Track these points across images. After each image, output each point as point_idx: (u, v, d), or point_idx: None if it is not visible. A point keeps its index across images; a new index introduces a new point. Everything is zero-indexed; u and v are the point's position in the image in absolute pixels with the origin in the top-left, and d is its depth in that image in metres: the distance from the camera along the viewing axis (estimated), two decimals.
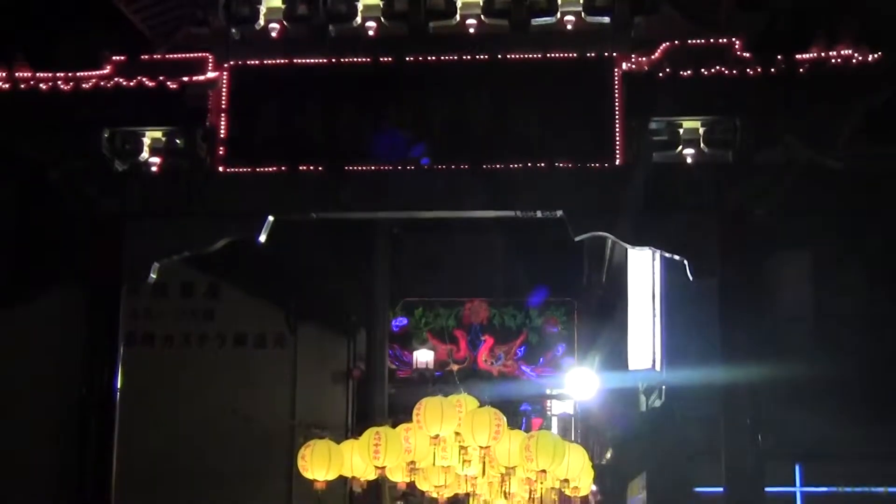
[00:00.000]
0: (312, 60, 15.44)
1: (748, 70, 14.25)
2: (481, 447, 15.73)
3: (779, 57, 14.18)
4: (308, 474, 16.50)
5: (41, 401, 22.08)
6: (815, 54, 14.14)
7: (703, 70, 14.30)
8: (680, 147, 14.66)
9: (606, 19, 15.26)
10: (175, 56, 15.50)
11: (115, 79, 15.15)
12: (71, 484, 15.22)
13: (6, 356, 22.89)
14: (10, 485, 22.62)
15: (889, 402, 15.35)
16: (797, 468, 16.09)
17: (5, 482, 22.57)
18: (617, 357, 21.14)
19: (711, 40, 14.61)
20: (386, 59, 15.32)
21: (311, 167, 15.19)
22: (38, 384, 22.62)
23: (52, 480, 15.92)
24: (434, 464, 16.76)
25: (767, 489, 14.37)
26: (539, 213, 15.26)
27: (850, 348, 15.84)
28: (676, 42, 14.61)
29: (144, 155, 15.41)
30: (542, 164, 14.87)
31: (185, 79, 15.15)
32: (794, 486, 16.08)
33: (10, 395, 23.52)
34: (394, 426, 16.88)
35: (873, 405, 15.39)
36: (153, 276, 15.54)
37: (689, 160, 14.66)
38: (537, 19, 15.42)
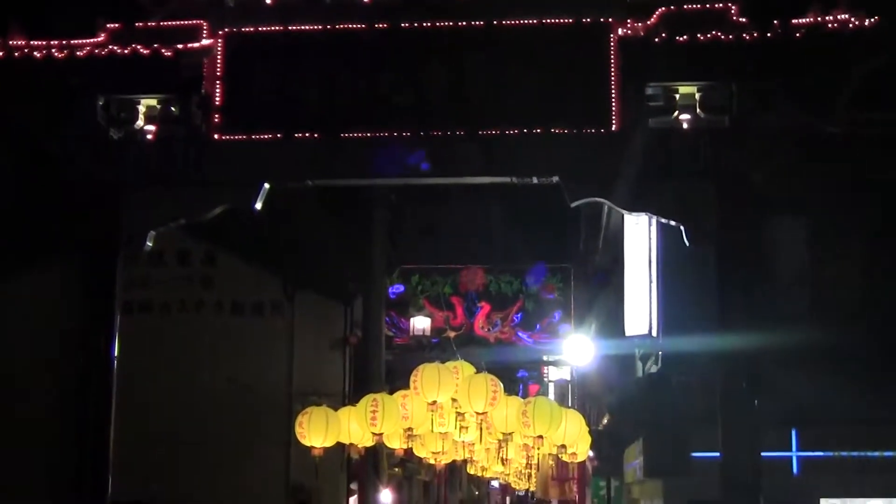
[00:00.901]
0: (307, 27, 15.38)
1: (744, 35, 14.22)
2: (478, 413, 15.74)
3: (775, 22, 14.15)
4: (306, 441, 16.53)
5: (39, 370, 22.08)
6: (812, 19, 14.11)
7: (699, 35, 14.27)
8: (676, 112, 14.64)
9: None
10: (170, 23, 15.44)
11: (110, 46, 15.12)
12: (70, 452, 15.26)
13: (3, 326, 22.89)
14: (9, 454, 22.67)
15: (886, 368, 15.35)
16: (793, 433, 16.11)
17: (4, 451, 22.62)
18: (613, 323, 21.16)
19: (707, 5, 14.58)
20: (381, 25, 15.26)
21: (307, 134, 15.16)
22: (35, 353, 22.61)
23: (51, 448, 15.90)
24: (431, 430, 16.78)
25: (764, 454, 14.44)
26: (535, 180, 15.26)
27: (848, 314, 15.84)
28: (672, 7, 14.58)
29: (139, 123, 15.37)
30: (538, 130, 14.85)
31: (180, 46, 15.13)
32: (791, 450, 16.09)
33: (8, 365, 23.53)
34: (391, 393, 16.91)
35: (870, 370, 15.39)
36: (149, 244, 15.56)
37: (685, 126, 14.64)
38: None
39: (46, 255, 18.67)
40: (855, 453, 15.92)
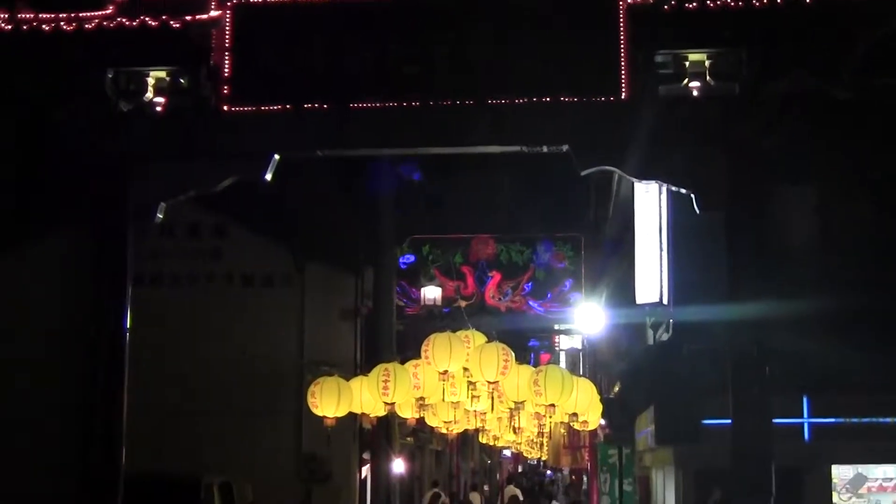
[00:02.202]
0: None
1: (754, 1, 14.15)
2: (490, 382, 15.77)
3: None
4: (318, 411, 16.58)
5: (51, 343, 22.14)
6: None
7: (708, 2, 14.20)
8: (686, 80, 14.56)
9: None
10: None
11: (118, 18, 15.08)
12: (81, 425, 15.32)
13: (12, 300, 22.93)
14: (19, 427, 22.75)
15: (895, 335, 15.36)
16: (804, 400, 16.14)
17: (15, 424, 22.70)
18: (624, 291, 21.16)
19: None
20: None
21: (316, 105, 15.14)
22: (47, 326, 22.66)
23: (64, 422, 15.96)
24: (443, 399, 16.82)
25: (775, 421, 14.45)
26: (545, 148, 15.24)
27: (858, 280, 15.83)
28: None
29: (148, 95, 15.29)
30: (548, 99, 14.81)
31: (188, 17, 15.08)
32: (802, 417, 16.13)
33: (19, 338, 23.59)
34: (402, 363, 16.94)
35: (880, 337, 15.40)
36: (160, 216, 15.57)
37: (695, 93, 14.57)
38: None
39: (56, 229, 18.70)
40: (866, 420, 15.95)
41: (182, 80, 15.29)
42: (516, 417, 18.16)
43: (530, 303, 28.90)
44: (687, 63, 14.59)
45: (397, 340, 25.54)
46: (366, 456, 26.92)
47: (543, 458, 39.50)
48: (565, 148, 14.97)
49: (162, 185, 15.47)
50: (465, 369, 16.07)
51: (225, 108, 15.26)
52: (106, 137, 15.30)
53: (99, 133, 15.31)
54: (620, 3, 14.76)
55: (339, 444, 24.69)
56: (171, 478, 21.36)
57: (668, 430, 16.39)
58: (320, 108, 15.13)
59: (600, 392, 19.70)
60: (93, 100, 15.28)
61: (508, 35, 15.02)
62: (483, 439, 28.89)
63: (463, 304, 28.20)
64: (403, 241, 26.68)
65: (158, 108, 15.34)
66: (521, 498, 33.69)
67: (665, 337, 17.35)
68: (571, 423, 18.39)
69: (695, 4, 14.21)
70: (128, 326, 15.47)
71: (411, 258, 28.72)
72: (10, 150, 15.85)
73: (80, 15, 15.10)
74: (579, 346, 36.94)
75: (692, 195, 14.63)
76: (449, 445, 39.86)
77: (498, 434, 25.46)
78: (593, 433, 23.49)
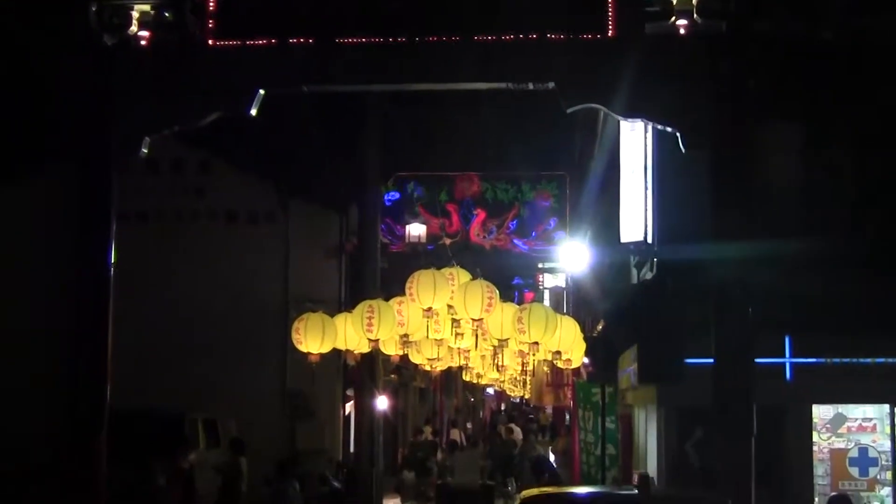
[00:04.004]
0: None
1: None
2: (474, 320, 15.85)
3: None
4: (302, 347, 16.66)
5: (35, 280, 22.12)
6: None
7: None
8: (673, 18, 14.50)
9: None
10: None
11: None
12: (66, 362, 15.32)
13: None
14: (4, 366, 22.77)
15: (879, 275, 15.37)
16: (786, 340, 16.19)
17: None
18: (609, 230, 21.15)
19: None
20: None
21: (302, 40, 15.05)
22: (31, 263, 22.65)
23: (49, 359, 15.97)
24: (427, 337, 16.92)
25: (756, 360, 14.52)
26: (531, 85, 15.20)
27: (841, 221, 15.85)
28: None
29: (133, 29, 15.18)
30: (534, 36, 14.76)
31: None
32: (784, 357, 16.17)
33: (2, 276, 23.55)
34: (386, 300, 16.99)
35: (863, 278, 15.42)
36: (144, 151, 15.50)
37: (681, 31, 14.52)
38: None
39: (40, 165, 18.64)
40: (847, 360, 16.00)
41: (167, 14, 15.17)
42: (500, 355, 18.25)
43: (515, 241, 28.89)
44: (674, 1, 14.52)
45: (382, 278, 25.55)
46: (350, 392, 27.04)
47: (526, 397, 39.66)
48: (551, 85, 14.93)
49: (146, 120, 15.37)
50: (450, 307, 16.15)
51: (210, 42, 15.17)
52: (90, 72, 15.20)
53: (83, 68, 15.20)
54: None
55: (324, 381, 24.77)
56: (155, 414, 21.47)
57: (651, 369, 16.44)
58: (305, 42, 15.05)
59: (584, 330, 19.78)
60: (77, 34, 15.15)
61: None
62: (466, 377, 29.03)
63: (448, 241, 28.18)
64: (388, 178, 26.59)
65: (143, 43, 15.23)
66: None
67: (649, 276, 17.36)
68: (555, 362, 18.49)
69: None
70: (112, 263, 15.43)
71: (396, 195, 28.65)
72: None
73: None
74: (563, 285, 36.97)
75: (678, 134, 14.62)
76: (433, 383, 40.12)
77: (481, 372, 25.59)
78: (576, 371, 23.58)
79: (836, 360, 15.99)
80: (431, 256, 25.79)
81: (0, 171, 18.40)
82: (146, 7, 15.16)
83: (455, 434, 36.06)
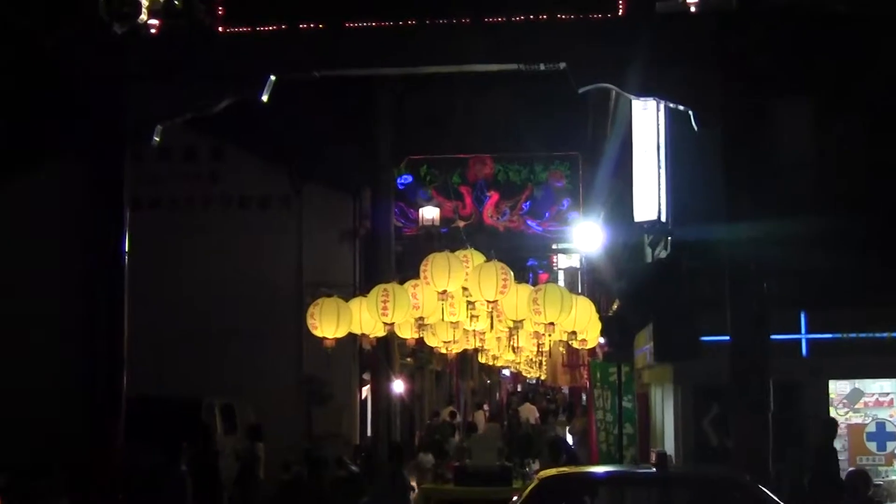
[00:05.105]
0: None
1: None
2: (489, 301, 15.82)
3: None
4: (317, 332, 16.64)
5: (50, 268, 22.22)
6: None
7: None
8: None
9: None
10: None
11: None
12: (83, 349, 15.37)
13: (12, 226, 22.96)
14: (22, 353, 22.86)
15: (892, 248, 15.35)
16: (802, 315, 16.16)
17: (17, 350, 22.81)
18: (622, 209, 21.13)
19: None
20: None
21: (312, 24, 15.04)
22: (46, 251, 22.74)
23: (64, 347, 16.04)
24: (442, 319, 16.89)
25: (772, 336, 14.51)
26: (542, 66, 15.18)
27: (854, 195, 15.79)
28: None
29: (143, 17, 15.20)
30: (544, 16, 14.73)
31: None
32: (799, 333, 16.16)
33: (19, 263, 23.64)
34: (401, 283, 16.97)
35: (878, 252, 15.39)
36: (156, 138, 15.54)
37: (692, 9, 14.48)
38: None
39: (53, 154, 18.67)
40: (863, 335, 15.97)
41: (176, 2, 15.20)
42: (515, 336, 18.27)
43: (528, 222, 28.81)
44: None
45: (396, 261, 25.55)
46: (366, 376, 27.04)
47: (542, 378, 39.68)
48: (562, 65, 14.92)
49: (158, 108, 15.43)
50: (464, 289, 16.12)
51: (220, 28, 15.20)
52: (101, 61, 15.23)
53: (94, 57, 15.23)
54: None
55: (339, 366, 24.83)
56: (172, 400, 21.51)
57: (667, 347, 16.41)
58: (315, 27, 15.04)
59: (599, 310, 19.77)
60: (87, 23, 15.16)
61: None
62: (482, 359, 29.03)
63: (461, 224, 28.14)
64: (400, 161, 26.54)
65: (153, 31, 15.26)
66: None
67: (663, 255, 17.34)
68: (570, 342, 18.48)
69: None
70: (126, 250, 15.47)
71: (409, 178, 28.60)
72: (6, 76, 15.77)
73: None
74: (577, 265, 36.92)
75: (690, 112, 14.60)
76: (448, 366, 40.07)
77: (497, 354, 25.60)
78: (592, 351, 23.58)
79: (853, 334, 15.96)
80: (445, 239, 25.75)
81: (14, 161, 18.42)
82: None
83: (479, 416, 35.99)
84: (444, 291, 15.87)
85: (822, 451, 14.81)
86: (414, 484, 23.63)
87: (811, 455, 14.96)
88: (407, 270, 21.52)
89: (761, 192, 14.53)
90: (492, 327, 17.95)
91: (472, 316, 16.94)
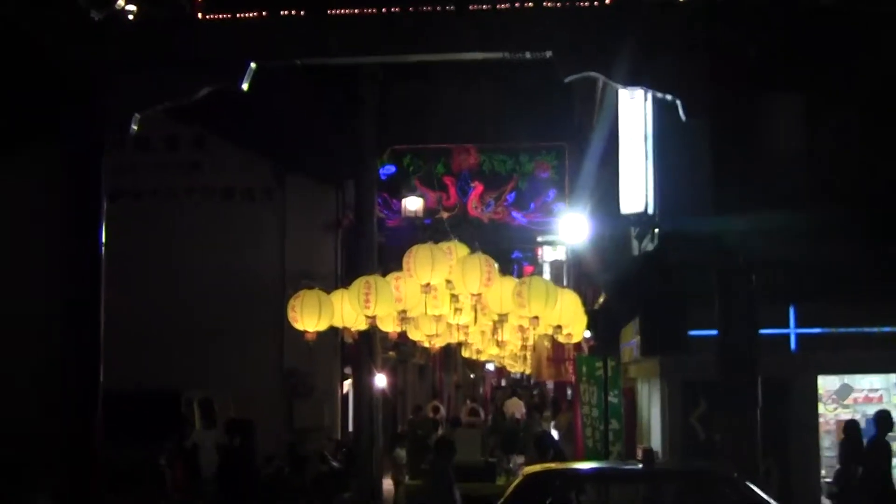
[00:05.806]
0: None
1: None
2: (473, 294, 15.63)
3: None
4: (299, 325, 16.44)
5: (27, 258, 21.95)
6: None
7: None
8: None
9: None
10: None
11: None
12: (59, 341, 15.14)
13: None
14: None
15: (883, 243, 15.20)
16: (791, 310, 16.03)
17: None
18: (609, 201, 20.93)
19: None
20: None
21: (293, 12, 14.82)
22: (22, 241, 22.47)
23: (40, 339, 15.81)
24: (425, 313, 16.70)
25: (761, 331, 14.33)
26: (528, 55, 14.98)
27: (844, 188, 15.64)
28: None
29: (121, 3, 14.95)
30: (531, 4, 14.54)
31: None
32: (788, 327, 16.02)
33: None
34: (384, 275, 16.77)
35: (867, 246, 15.24)
36: (135, 128, 15.30)
37: None
38: None
39: (29, 143, 18.44)
40: (852, 329, 15.83)
41: None
42: (500, 330, 18.06)
43: (513, 213, 28.62)
44: None
45: (379, 253, 25.34)
46: (347, 370, 26.86)
47: (527, 372, 39.50)
48: (549, 54, 14.73)
49: (136, 96, 15.18)
50: (448, 281, 15.92)
51: (199, 15, 14.94)
52: (78, 48, 14.99)
53: (71, 43, 14.98)
54: None
55: (321, 359, 24.68)
56: (150, 393, 21.32)
57: (654, 342, 16.27)
58: (297, 14, 14.82)
59: (585, 304, 19.56)
60: (64, 9, 14.91)
61: None
62: (466, 353, 28.82)
63: (445, 215, 27.93)
64: (384, 151, 26.33)
65: (131, 17, 15.00)
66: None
67: (650, 247, 17.15)
68: (555, 336, 18.27)
69: None
70: (104, 242, 15.22)
71: (392, 169, 28.37)
72: None
73: None
74: (563, 258, 36.74)
75: (678, 102, 14.41)
76: (431, 360, 39.93)
77: (481, 348, 25.39)
78: (578, 346, 23.39)
79: (842, 329, 15.81)
80: (429, 230, 25.57)
81: None
82: None
83: (464, 411, 35.80)
84: (428, 284, 15.67)
85: (875, 445, 14.73)
86: (390, 479, 23.48)
87: (861, 451, 14.88)
88: (390, 262, 21.32)
89: (750, 184, 14.37)
90: (476, 321, 17.76)
91: (455, 309, 16.76)
